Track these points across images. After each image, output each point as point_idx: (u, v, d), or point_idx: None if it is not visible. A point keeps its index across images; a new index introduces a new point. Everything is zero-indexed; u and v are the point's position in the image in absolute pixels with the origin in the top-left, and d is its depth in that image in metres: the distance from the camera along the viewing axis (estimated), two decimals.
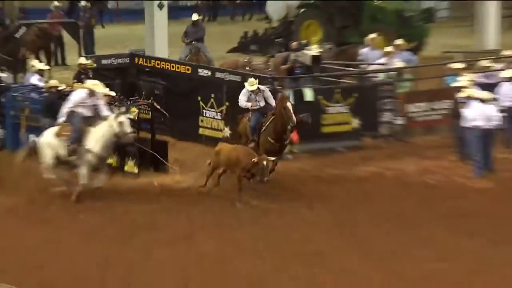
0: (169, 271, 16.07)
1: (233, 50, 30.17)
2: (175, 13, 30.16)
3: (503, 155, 21.55)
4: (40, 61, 25.26)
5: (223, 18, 35.39)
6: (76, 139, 18.99)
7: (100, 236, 17.67)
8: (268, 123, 19.89)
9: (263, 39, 30.83)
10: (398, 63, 23.92)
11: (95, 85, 19.52)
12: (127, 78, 23.37)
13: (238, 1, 36.05)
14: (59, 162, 19.36)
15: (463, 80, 21.26)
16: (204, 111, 22.40)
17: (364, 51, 25.26)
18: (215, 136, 22.06)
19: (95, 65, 23.01)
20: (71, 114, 19.23)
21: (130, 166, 20.75)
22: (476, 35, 31.04)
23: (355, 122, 22.38)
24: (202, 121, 22.41)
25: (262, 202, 19.18)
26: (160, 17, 27.06)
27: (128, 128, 18.93)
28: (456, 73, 22.62)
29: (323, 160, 21.74)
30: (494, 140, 20.77)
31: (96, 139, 18.95)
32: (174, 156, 21.07)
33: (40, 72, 23.03)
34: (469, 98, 20.52)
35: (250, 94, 20.16)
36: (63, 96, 20.64)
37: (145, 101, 21.58)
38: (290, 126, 19.64)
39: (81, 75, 22.35)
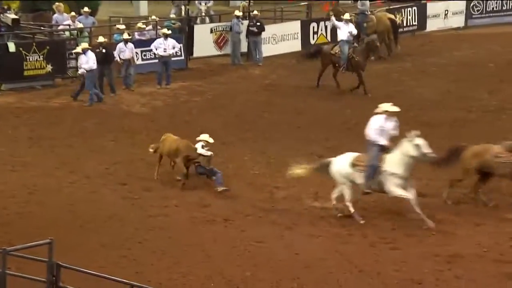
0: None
1: None
2: None
3: (160, 90, 21.97)
4: None
5: None
6: (372, 175, 13.39)
7: None
8: None
9: None
10: (79, 24, 23.50)
11: (392, 107, 13.86)
12: None
13: None
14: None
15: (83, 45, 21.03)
16: None
17: (56, 16, 24.38)
18: None
19: None
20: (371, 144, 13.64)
21: None
22: (133, 5, 31.20)
23: (49, 67, 21.79)
24: None
25: None
26: None
27: (426, 149, 13.30)
28: (121, 32, 22.69)
29: (25, 95, 21.10)
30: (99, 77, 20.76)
31: (396, 163, 13.29)
32: None
33: None
34: (84, 50, 20.46)
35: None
36: None
37: None
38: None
39: None
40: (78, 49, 20.78)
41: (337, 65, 21.40)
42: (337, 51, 21.43)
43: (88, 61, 20.41)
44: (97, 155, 16.88)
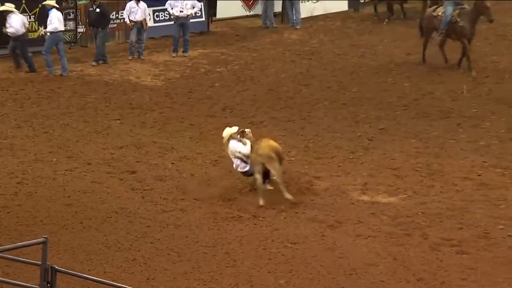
0: None
1: None
2: None
3: (176, 59, 22.17)
4: None
5: None
6: None
7: None
8: None
9: None
10: None
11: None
12: None
13: None
14: None
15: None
16: None
17: None
18: None
19: None
20: None
21: None
22: None
23: (41, 30, 21.97)
24: None
25: None
26: None
27: None
28: None
29: (13, 64, 21.23)
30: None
31: None
32: None
33: None
34: (47, 8, 20.83)
35: None
36: None
37: None
38: None
39: None
40: (6, 7, 20.77)
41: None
42: (440, 13, 21.02)
43: (51, 21, 20.63)
44: (100, 137, 16.94)
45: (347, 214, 13.70)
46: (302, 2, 25.03)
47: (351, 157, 16.13)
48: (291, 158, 15.98)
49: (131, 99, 19.35)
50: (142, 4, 22.05)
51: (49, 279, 9.27)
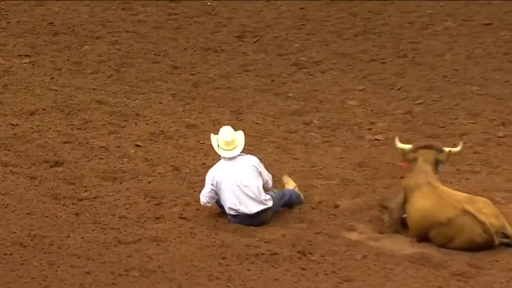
0: None
1: None
2: None
3: None
4: None
5: None
6: None
7: None
8: None
9: None
10: None
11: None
12: None
13: None
14: None
15: None
16: None
17: None
18: None
19: None
20: None
21: None
22: None
23: None
24: None
25: None
26: None
27: None
28: None
29: None
30: None
31: None
32: None
33: None
34: None
35: None
36: None
37: None
38: None
39: None
40: None
41: None
42: None
43: None
44: None
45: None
46: None
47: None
48: (376, 137, 16.98)
49: (53, 13, 20.98)
50: None
51: None
